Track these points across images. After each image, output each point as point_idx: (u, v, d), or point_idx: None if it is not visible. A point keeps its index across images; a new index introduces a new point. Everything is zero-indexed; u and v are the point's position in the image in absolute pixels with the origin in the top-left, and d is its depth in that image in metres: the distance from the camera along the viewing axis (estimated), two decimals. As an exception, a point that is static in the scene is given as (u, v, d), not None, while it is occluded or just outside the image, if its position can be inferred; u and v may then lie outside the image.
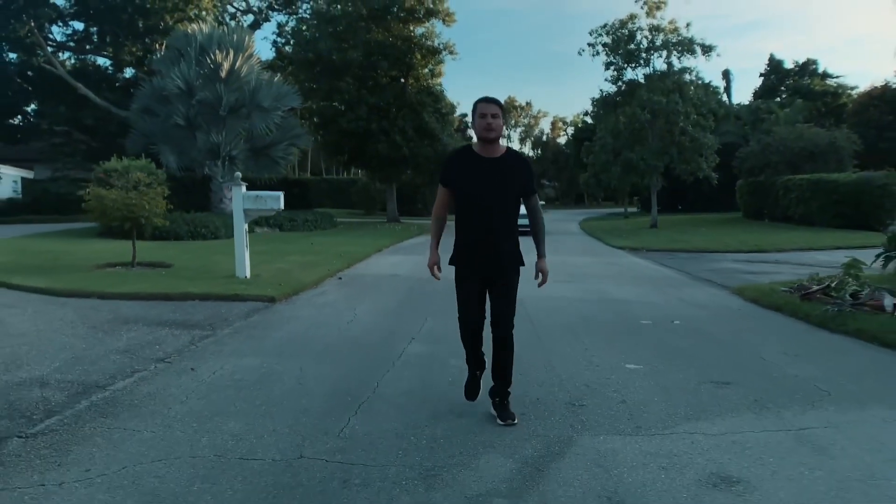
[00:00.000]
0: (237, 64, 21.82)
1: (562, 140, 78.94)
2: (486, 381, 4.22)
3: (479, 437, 3.75)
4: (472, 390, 4.26)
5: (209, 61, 21.47)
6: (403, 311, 8.00)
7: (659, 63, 27.32)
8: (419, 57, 29.98)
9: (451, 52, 30.75)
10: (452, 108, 34.24)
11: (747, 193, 30.71)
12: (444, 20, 30.29)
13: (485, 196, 3.86)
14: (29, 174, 34.06)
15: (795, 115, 35.41)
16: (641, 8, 26.55)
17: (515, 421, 3.94)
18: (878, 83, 43.08)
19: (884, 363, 5.70)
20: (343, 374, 5.07)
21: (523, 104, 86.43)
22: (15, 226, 23.52)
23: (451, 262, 4.03)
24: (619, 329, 6.98)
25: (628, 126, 26.34)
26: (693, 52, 26.49)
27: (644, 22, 26.87)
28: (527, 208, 4.08)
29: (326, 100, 30.21)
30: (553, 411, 4.17)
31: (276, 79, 23.91)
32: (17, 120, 39.84)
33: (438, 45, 30.56)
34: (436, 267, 4.12)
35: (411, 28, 30.21)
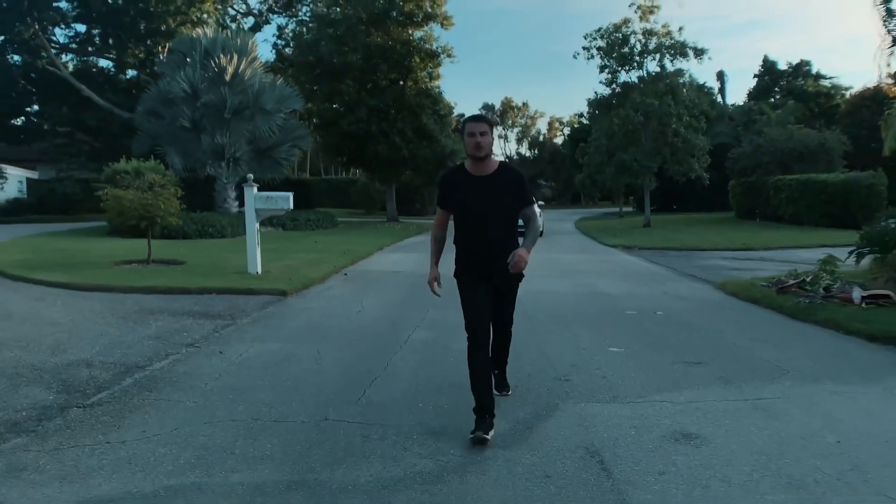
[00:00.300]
0: (241, 67, 22.39)
1: (558, 140, 79.53)
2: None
3: (478, 405, 4.34)
4: (483, 428, 3.71)
5: (214, 65, 22.03)
6: (407, 303, 8.59)
7: (652, 66, 27.99)
8: (418, 60, 30.59)
9: (449, 56, 31.39)
10: (450, 109, 34.82)
11: (739, 193, 31.34)
12: (442, 24, 30.90)
13: (481, 215, 3.92)
14: (34, 174, 34.56)
15: (787, 116, 36.05)
16: (635, 12, 27.20)
17: (510, 392, 4.47)
18: (871, 84, 43.69)
19: (843, 348, 6.30)
20: (356, 356, 5.67)
21: (520, 104, 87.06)
22: (22, 225, 23.99)
23: (454, 276, 4.07)
24: (605, 319, 7.59)
25: (622, 128, 26.97)
26: (685, 56, 27.12)
27: (638, 26, 27.53)
28: (522, 219, 4.10)
29: (327, 102, 30.80)
30: (542, 384, 4.77)
31: (278, 82, 24.48)
32: (20, 121, 40.34)
33: (437, 48, 31.18)
34: (435, 283, 4.14)
35: (410, 32, 30.81)
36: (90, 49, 38.81)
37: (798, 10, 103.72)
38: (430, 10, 30.04)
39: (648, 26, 27.33)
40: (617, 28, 27.60)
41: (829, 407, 4.42)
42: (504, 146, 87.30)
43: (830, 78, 49.51)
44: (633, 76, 28.35)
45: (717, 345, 6.28)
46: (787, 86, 50.28)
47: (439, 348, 5.93)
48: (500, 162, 4.11)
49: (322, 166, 61.01)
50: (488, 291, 4.00)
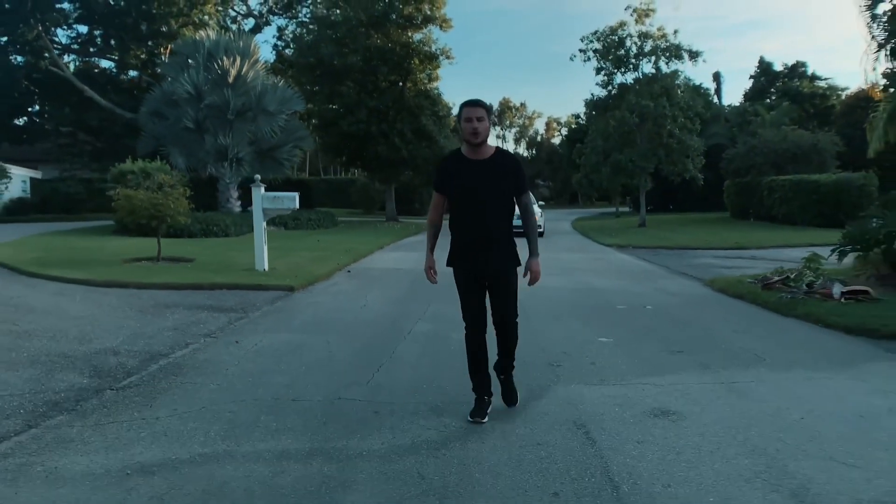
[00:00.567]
0: (244, 69, 22.81)
1: (556, 140, 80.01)
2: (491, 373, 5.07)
3: (477, 387, 4.76)
4: (478, 411, 4.07)
5: (217, 67, 22.45)
6: (409, 298, 9.01)
7: (648, 67, 28.45)
8: (417, 62, 31.03)
9: (448, 58, 31.84)
10: (449, 110, 35.28)
11: (734, 194, 31.80)
12: (441, 26, 31.35)
13: (477, 198, 3.94)
14: (37, 174, 34.89)
15: (781, 117, 36.52)
16: (631, 15, 27.65)
17: (517, 403, 4.25)
18: (865, 85, 44.10)
19: (819, 339, 6.72)
20: (363, 345, 6.10)
21: (518, 105, 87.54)
22: (27, 224, 24.27)
23: (448, 264, 4.12)
24: (597, 313, 8.01)
25: (617, 129, 27.42)
26: (680, 58, 27.56)
27: (633, 29, 27.97)
28: (519, 207, 4.15)
29: (327, 103, 31.24)
30: (535, 369, 5.18)
31: (279, 83, 24.90)
32: (22, 121, 40.69)
33: (436, 50, 31.63)
34: (431, 270, 4.18)
35: (409, 34, 31.26)
36: (91, 50, 39.20)
37: (797, 10, 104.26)
38: (429, 12, 30.48)
39: (644, 29, 27.81)
40: (613, 31, 28.04)
41: (799, 390, 4.84)
42: (502, 146, 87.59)
43: (826, 79, 50.02)
44: (628, 78, 28.81)
45: (700, 336, 6.70)
46: (782, 87, 50.78)
47: (440, 339, 6.34)
48: (497, 147, 4.13)
49: (321, 166, 61.43)
50: (481, 284, 4.06)
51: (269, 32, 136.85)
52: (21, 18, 33.82)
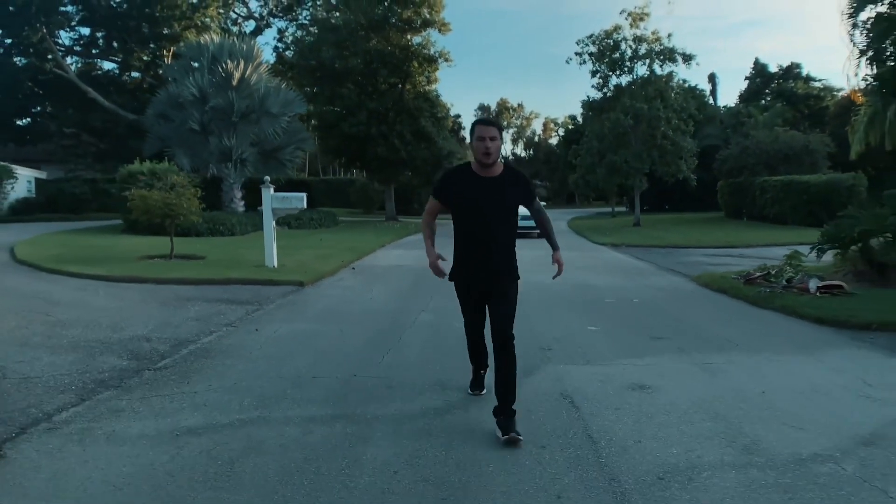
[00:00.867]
0: (247, 72, 23.39)
1: (553, 141, 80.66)
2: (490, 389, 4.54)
3: (477, 367, 5.34)
4: (477, 384, 4.60)
5: (221, 70, 23.01)
6: (412, 292, 9.59)
7: (642, 70, 29.08)
8: (416, 65, 31.67)
9: (446, 60, 32.47)
10: (447, 111, 35.90)
11: (727, 194, 32.42)
12: (439, 30, 31.99)
13: (483, 215, 3.93)
14: (41, 174, 35.41)
15: (774, 118, 37.18)
16: (626, 19, 28.28)
17: (520, 439, 3.67)
18: (848, 90, 44.72)
19: (791, 328, 7.31)
20: (373, 332, 6.68)
21: (515, 105, 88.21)
22: (34, 224, 24.66)
23: (450, 279, 4.16)
24: (587, 306, 8.60)
25: (612, 130, 28.05)
26: (674, 61, 28.20)
27: (628, 32, 28.61)
28: (532, 213, 4.31)
29: (328, 105, 31.86)
30: (528, 353, 5.73)
31: (282, 86, 25.49)
32: (25, 122, 41.17)
33: (434, 53, 32.25)
34: (439, 261, 4.17)
35: (409, 38, 31.88)
36: (94, 52, 39.74)
37: (795, 10, 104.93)
38: (428, 16, 31.12)
39: (639, 33, 28.45)
40: (608, 34, 28.68)
41: (765, 370, 5.42)
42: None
43: (821, 80, 50.64)
44: (623, 80, 29.45)
45: (681, 325, 7.29)
46: (777, 88, 51.43)
47: (443, 327, 6.92)
48: (505, 164, 4.12)
49: (320, 167, 61.97)
50: (482, 300, 4.12)
51: (269, 34, 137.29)
52: (25, 21, 34.37)
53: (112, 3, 36.24)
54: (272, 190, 11.45)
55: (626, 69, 28.87)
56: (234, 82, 23.07)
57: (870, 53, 13.29)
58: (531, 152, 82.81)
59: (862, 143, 13.84)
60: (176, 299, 8.63)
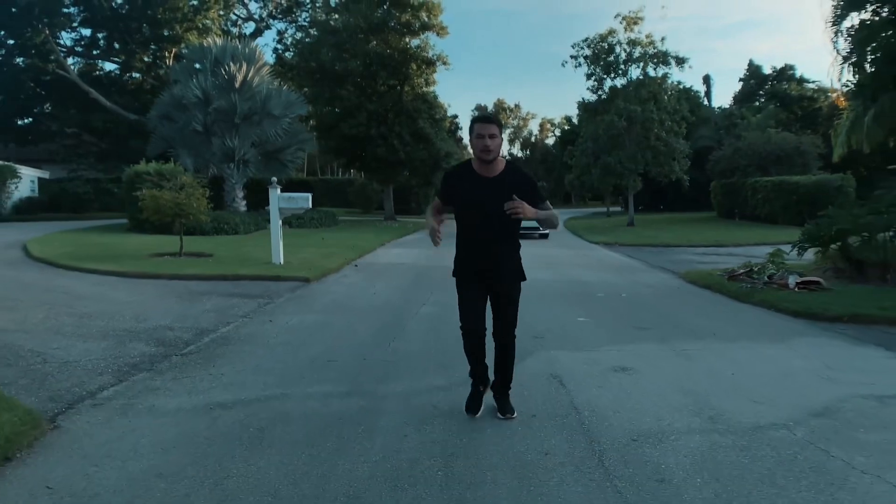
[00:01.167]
0: (250, 75, 23.91)
1: (550, 141, 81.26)
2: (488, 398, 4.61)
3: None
4: (473, 405, 4.19)
5: (224, 72, 23.52)
6: (413, 288, 10.12)
7: (636, 72, 29.66)
8: (415, 67, 32.22)
9: (444, 63, 32.99)
10: (445, 112, 36.45)
11: (720, 194, 33.05)
12: (437, 33, 32.53)
13: (485, 215, 3.85)
14: (44, 174, 35.83)
15: (767, 120, 37.81)
16: (620, 23, 28.85)
17: (514, 415, 4.06)
18: (832, 94, 45.30)
19: (768, 320, 7.86)
20: (379, 323, 7.20)
21: (512, 106, 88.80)
22: (39, 223, 25.01)
23: (453, 275, 4.12)
24: (579, 299, 9.14)
25: (607, 132, 28.63)
26: (667, 64, 28.78)
27: (622, 36, 29.19)
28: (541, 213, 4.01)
29: (328, 106, 32.40)
30: (522, 341, 6.14)
31: (283, 88, 26.01)
32: (26, 121, 41.55)
33: (433, 56, 32.80)
34: (439, 224, 4.06)
35: (407, 40, 32.43)
36: (95, 53, 40.17)
37: (793, 11, 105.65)
38: (426, 20, 31.65)
39: (633, 36, 29.02)
40: (603, 38, 29.25)
41: (737, 356, 5.96)
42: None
43: (814, 82, 51.26)
44: (618, 83, 30.01)
45: (664, 317, 7.83)
46: (770, 89, 52.07)
47: (444, 319, 7.42)
48: (507, 162, 4.03)
49: (318, 167, 62.49)
50: (483, 293, 4.02)
51: (269, 36, 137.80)
52: (27, 22, 34.79)
53: (114, 4, 36.70)
54: (279, 190, 11.96)
55: (620, 72, 29.45)
56: (237, 84, 23.58)
57: (852, 60, 13.87)
58: (528, 152, 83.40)
59: (844, 145, 14.40)
60: (190, 294, 9.14)
